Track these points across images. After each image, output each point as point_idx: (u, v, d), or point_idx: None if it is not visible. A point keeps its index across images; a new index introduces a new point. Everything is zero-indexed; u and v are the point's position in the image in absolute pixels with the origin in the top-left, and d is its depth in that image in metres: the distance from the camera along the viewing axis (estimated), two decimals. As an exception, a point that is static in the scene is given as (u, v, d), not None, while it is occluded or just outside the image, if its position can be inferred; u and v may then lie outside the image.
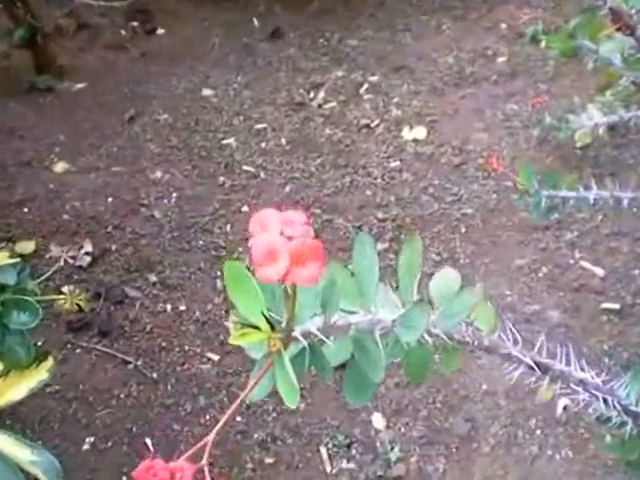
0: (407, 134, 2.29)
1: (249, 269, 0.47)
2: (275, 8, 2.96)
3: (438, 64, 2.59)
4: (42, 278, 1.39)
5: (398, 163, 2.19)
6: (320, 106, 2.44)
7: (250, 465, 1.51)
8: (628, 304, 1.75)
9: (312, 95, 2.50)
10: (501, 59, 2.58)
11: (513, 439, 1.52)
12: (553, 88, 2.42)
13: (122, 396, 1.63)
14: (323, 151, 2.26)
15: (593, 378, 0.69)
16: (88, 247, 1.95)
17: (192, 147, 2.30)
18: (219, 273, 1.87)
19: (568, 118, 2.01)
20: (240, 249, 1.93)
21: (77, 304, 1.20)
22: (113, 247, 1.96)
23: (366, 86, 2.52)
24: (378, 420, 1.57)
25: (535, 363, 0.65)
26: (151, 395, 1.64)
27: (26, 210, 2.07)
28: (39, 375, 1.06)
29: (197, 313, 1.80)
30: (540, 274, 1.84)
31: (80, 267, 1.91)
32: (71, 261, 1.91)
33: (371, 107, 2.42)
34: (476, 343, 0.62)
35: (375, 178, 2.14)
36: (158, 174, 2.20)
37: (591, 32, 1.32)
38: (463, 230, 1.97)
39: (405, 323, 0.56)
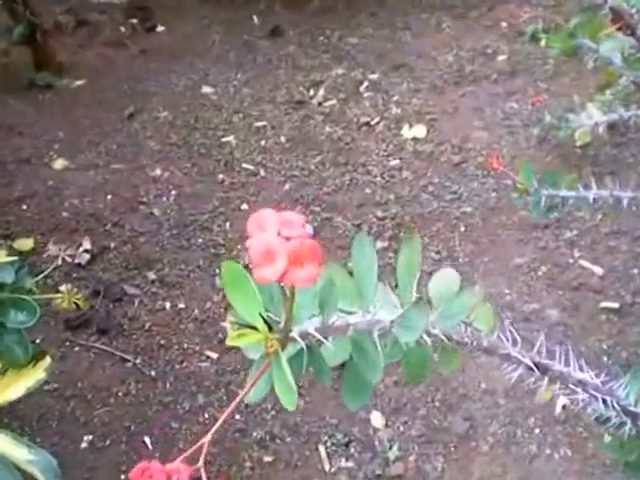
0: (407, 132, 2.29)
1: (247, 267, 0.47)
2: (275, 6, 2.95)
3: (438, 62, 2.59)
4: (41, 276, 1.38)
5: (398, 161, 2.19)
6: (320, 104, 2.44)
7: (249, 463, 1.50)
8: (627, 303, 1.75)
9: (312, 93, 2.49)
10: (501, 57, 2.58)
11: (512, 438, 1.52)
12: (553, 87, 2.41)
13: (120, 394, 1.63)
14: (323, 149, 2.25)
15: (592, 378, 0.69)
16: (87, 244, 1.95)
17: (192, 145, 2.30)
18: (218, 271, 1.87)
19: (568, 117, 2.01)
20: (239, 247, 1.93)
21: (75, 303, 1.20)
22: (112, 245, 1.96)
23: (366, 84, 2.52)
24: (377, 419, 1.57)
25: (534, 364, 0.65)
26: (150, 393, 1.63)
27: (25, 207, 2.06)
28: (37, 374, 1.06)
29: (196, 311, 1.80)
30: (539, 273, 1.84)
31: (79, 265, 1.90)
32: (70, 259, 1.91)
33: (371, 105, 2.42)
34: (475, 344, 0.62)
35: (375, 176, 2.14)
36: (157, 171, 2.19)
37: (591, 31, 1.32)
38: (462, 229, 1.97)
39: (404, 324, 0.56)
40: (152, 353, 1.71)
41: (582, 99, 2.08)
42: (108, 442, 1.54)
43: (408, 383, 1.51)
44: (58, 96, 2.54)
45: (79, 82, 2.60)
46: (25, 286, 1.09)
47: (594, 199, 1.28)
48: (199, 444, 0.46)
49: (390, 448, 1.52)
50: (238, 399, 0.49)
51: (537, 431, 1.53)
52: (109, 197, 2.10)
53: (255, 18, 2.90)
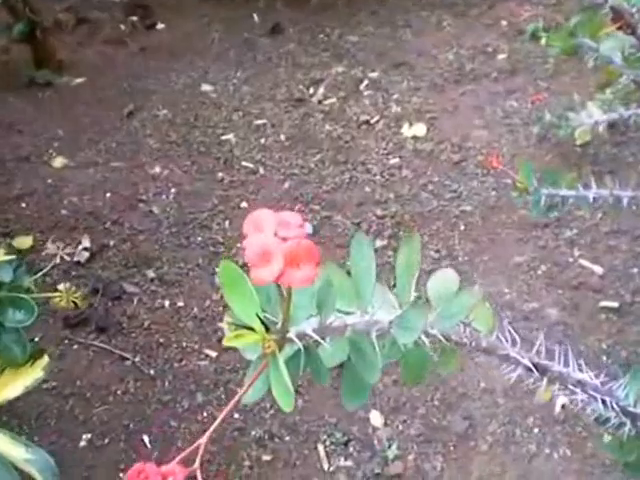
0: (407, 131, 2.29)
1: (246, 266, 0.47)
2: (275, 3, 2.95)
3: (438, 61, 2.59)
4: (39, 274, 1.38)
5: (397, 160, 2.19)
6: (320, 102, 2.44)
7: (247, 462, 1.50)
8: (627, 302, 1.75)
9: (312, 91, 2.49)
10: (501, 56, 2.57)
11: (511, 437, 1.52)
12: (553, 86, 2.41)
13: (119, 392, 1.63)
14: (322, 147, 2.25)
15: (591, 379, 0.69)
16: (86, 242, 1.95)
17: (191, 143, 2.30)
18: (217, 269, 1.86)
19: (568, 116, 2.01)
20: (238, 245, 1.93)
21: (73, 302, 1.20)
22: (111, 243, 1.95)
23: (366, 82, 2.52)
24: (376, 418, 1.56)
25: (533, 364, 0.65)
26: (148, 392, 1.63)
27: (24, 205, 2.06)
28: (35, 373, 1.06)
29: (195, 309, 1.79)
30: (539, 272, 1.83)
31: (78, 263, 1.90)
32: (69, 257, 1.91)
33: (371, 103, 2.42)
34: (474, 344, 0.62)
35: (374, 175, 2.14)
36: (157, 169, 2.19)
37: (592, 30, 1.32)
38: (462, 227, 1.97)
39: (402, 324, 0.56)
40: (151, 351, 1.71)
41: (582, 98, 2.08)
42: (107, 440, 1.54)
43: (407, 384, 1.51)
44: (58, 94, 2.53)
45: (79, 80, 2.60)
46: (23, 285, 1.08)
47: (594, 198, 1.27)
48: (195, 445, 0.46)
49: (389, 447, 1.51)
50: (235, 399, 0.49)
51: (536, 430, 1.53)
52: (108, 195, 2.10)
53: (255, 16, 2.90)
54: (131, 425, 1.57)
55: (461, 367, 1.62)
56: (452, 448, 1.51)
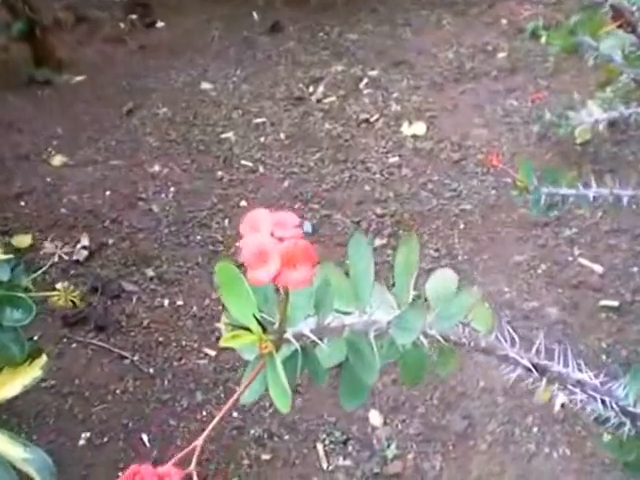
0: (406, 129, 2.28)
1: (244, 266, 0.46)
2: (275, 2, 2.95)
3: (438, 59, 2.58)
4: (38, 272, 1.38)
5: (397, 158, 2.18)
6: (319, 100, 2.43)
7: (246, 461, 1.50)
8: (627, 301, 1.74)
9: (311, 89, 2.49)
10: (501, 55, 2.57)
11: (510, 437, 1.52)
12: (553, 84, 2.41)
13: (118, 391, 1.62)
14: (322, 146, 2.25)
15: (591, 379, 0.68)
16: (85, 241, 1.94)
17: (191, 141, 2.29)
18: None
19: (568, 114, 2.01)
20: (238, 244, 1.92)
21: (72, 300, 1.19)
22: (110, 241, 1.95)
23: (366, 81, 2.51)
24: (375, 417, 1.56)
25: (532, 364, 0.65)
26: (147, 390, 1.63)
27: (23, 204, 2.06)
28: (33, 372, 1.05)
29: (194, 308, 1.79)
30: (539, 271, 1.83)
31: (77, 261, 1.90)
32: (67, 255, 1.90)
33: (370, 102, 2.41)
34: (473, 344, 0.62)
35: (374, 173, 2.14)
36: (156, 168, 2.19)
37: (592, 29, 1.32)
38: (462, 226, 1.96)
39: (400, 325, 0.55)
40: (150, 350, 1.70)
41: (582, 96, 2.08)
42: (106, 439, 1.54)
43: (405, 384, 1.51)
44: (57, 92, 2.53)
45: (78, 78, 2.60)
46: (21, 284, 1.08)
47: (594, 197, 1.27)
48: (192, 447, 0.45)
49: (388, 446, 1.51)
50: (233, 399, 0.49)
51: (536, 430, 1.52)
52: (108, 193, 2.09)
53: (255, 14, 2.89)
54: (130, 424, 1.56)
55: (460, 366, 1.62)
56: (451, 447, 1.51)
